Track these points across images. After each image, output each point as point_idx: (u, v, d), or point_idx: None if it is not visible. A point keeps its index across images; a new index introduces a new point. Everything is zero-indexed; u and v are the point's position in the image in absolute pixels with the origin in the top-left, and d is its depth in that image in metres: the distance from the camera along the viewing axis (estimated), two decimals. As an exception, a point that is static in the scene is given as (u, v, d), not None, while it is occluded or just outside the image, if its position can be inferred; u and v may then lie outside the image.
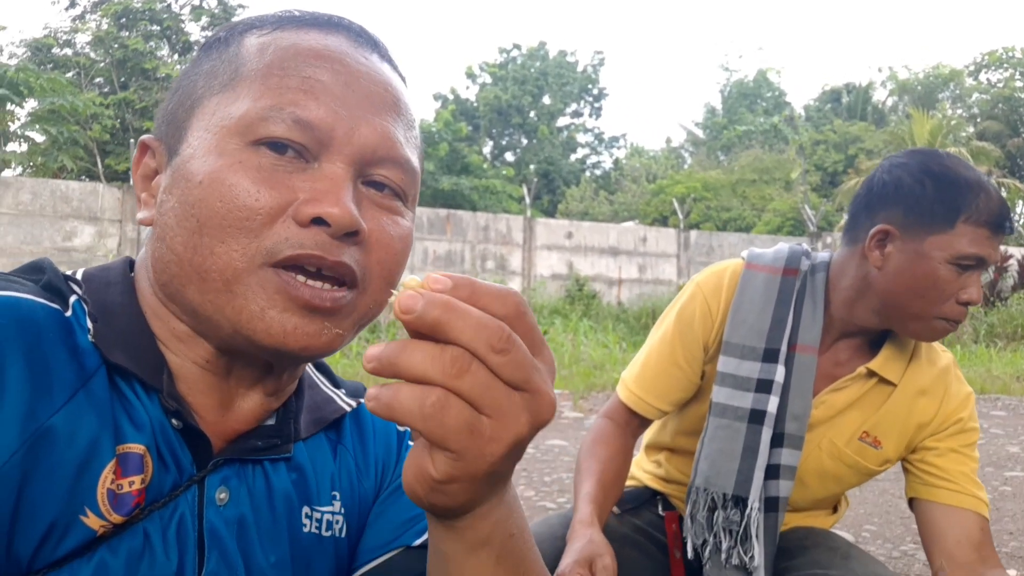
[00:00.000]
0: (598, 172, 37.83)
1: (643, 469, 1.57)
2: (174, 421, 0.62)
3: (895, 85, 38.90)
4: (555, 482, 3.73)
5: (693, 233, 16.45)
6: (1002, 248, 16.29)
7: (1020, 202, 29.80)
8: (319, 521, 0.69)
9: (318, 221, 0.57)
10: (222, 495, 0.64)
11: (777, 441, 1.32)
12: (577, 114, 36.94)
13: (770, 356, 1.31)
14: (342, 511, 0.70)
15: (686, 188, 29.89)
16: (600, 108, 37.36)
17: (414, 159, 0.65)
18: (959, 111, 36.50)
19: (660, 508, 1.51)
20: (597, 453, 1.36)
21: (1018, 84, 35.07)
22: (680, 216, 16.46)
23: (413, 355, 0.43)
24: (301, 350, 0.58)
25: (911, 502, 1.38)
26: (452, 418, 0.42)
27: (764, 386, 1.30)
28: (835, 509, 1.58)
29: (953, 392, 1.36)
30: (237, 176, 0.57)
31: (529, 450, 4.30)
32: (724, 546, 1.32)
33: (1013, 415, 6.51)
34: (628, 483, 1.49)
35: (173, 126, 0.64)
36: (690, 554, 1.39)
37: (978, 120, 35.16)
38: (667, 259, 15.63)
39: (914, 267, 1.22)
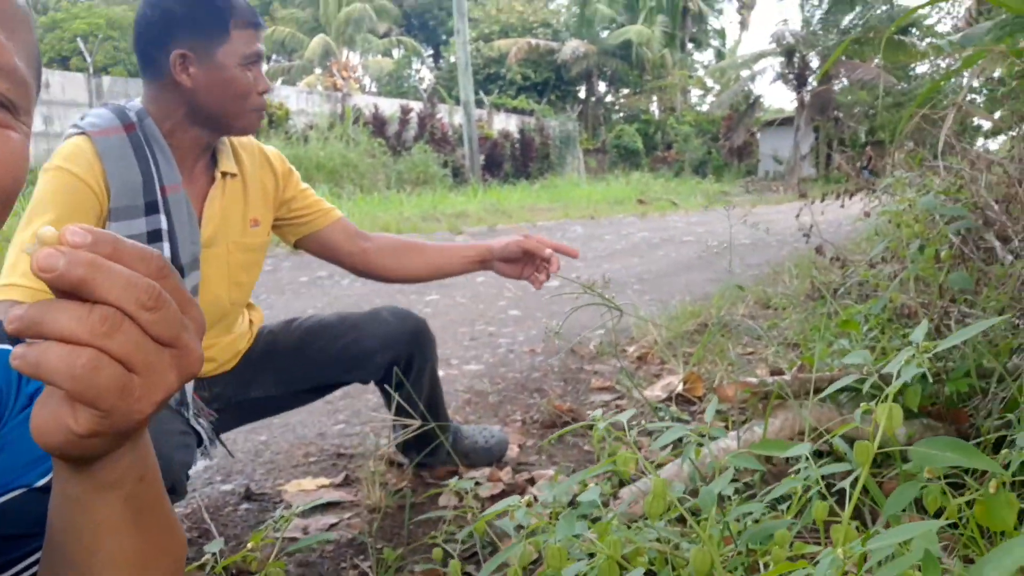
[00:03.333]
0: (-33, -4, 30.78)
1: None
2: None
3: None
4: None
5: (106, 79, 14.75)
6: (403, 102, 18.38)
7: (416, 59, 33.67)
8: None
9: None
10: None
11: (182, 272, 1.46)
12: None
13: (151, 208, 1.41)
14: None
15: (88, 24, 26.46)
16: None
17: (22, 66, 0.56)
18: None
19: None
20: None
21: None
22: (87, 58, 14.57)
23: (59, 316, 0.41)
24: None
25: (297, 244, 1.75)
26: (104, 378, 0.41)
27: (155, 236, 1.41)
28: (251, 308, 1.79)
29: (272, 157, 1.67)
30: None
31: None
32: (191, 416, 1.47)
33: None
34: None
35: None
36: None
37: (378, -20, 37.85)
38: (78, 109, 13.81)
39: (218, 77, 1.42)
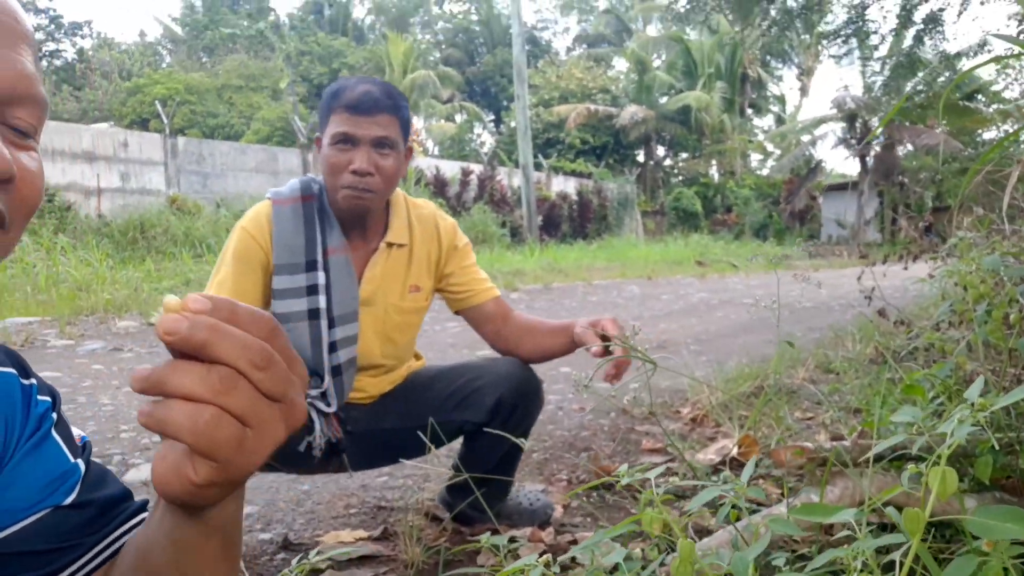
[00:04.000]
0: (58, 63, 32.76)
1: None
2: None
3: (372, 4, 40.90)
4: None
5: (181, 139, 15.41)
6: (464, 165, 18.73)
7: (477, 124, 34.41)
8: None
9: None
10: None
11: (332, 323, 1.67)
12: (27, -10, 31.23)
13: (311, 266, 1.64)
14: None
15: (167, 89, 27.79)
16: (58, -13, 32.08)
17: (43, 91, 0.62)
18: (427, 36, 40.00)
19: None
20: None
21: (473, 17, 39.64)
22: (164, 120, 15.25)
23: (183, 377, 0.45)
24: None
25: (456, 313, 1.89)
26: (223, 434, 0.45)
27: (312, 289, 1.64)
28: (417, 358, 1.96)
29: (442, 231, 1.81)
30: None
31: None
32: (315, 418, 1.68)
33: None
34: None
35: None
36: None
37: (443, 47, 39.13)
38: (153, 167, 14.42)
39: (322, 156, 1.63)
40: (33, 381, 0.69)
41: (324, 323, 1.65)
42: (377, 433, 1.82)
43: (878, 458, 1.88)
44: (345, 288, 1.67)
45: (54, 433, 0.68)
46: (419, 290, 1.78)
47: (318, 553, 1.26)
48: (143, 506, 0.73)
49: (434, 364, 1.96)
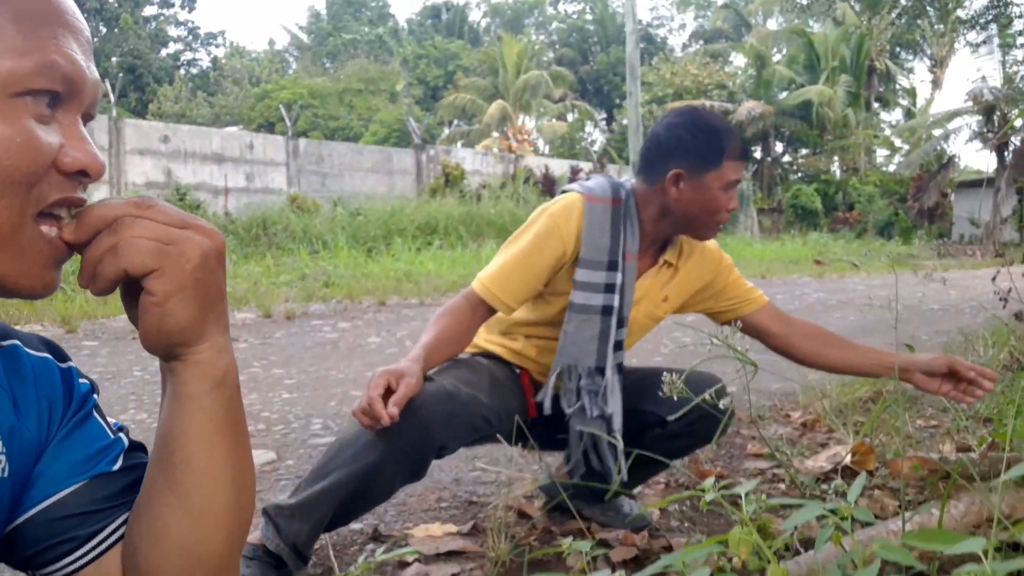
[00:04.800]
0: (194, 71, 34.77)
1: (493, 343, 1.88)
2: None
3: (488, 7, 41.41)
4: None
5: (302, 141, 16.05)
6: (573, 163, 18.68)
7: (589, 122, 34.24)
8: None
9: (81, 173, 0.61)
10: None
11: (621, 323, 1.79)
12: (167, 4, 33.29)
13: (612, 266, 1.75)
14: (3, 450, 0.65)
15: (292, 94, 29.01)
16: (194, 0, 34.04)
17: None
18: (541, 37, 40.13)
19: (515, 367, 1.86)
20: (443, 318, 1.69)
21: (588, 17, 39.50)
22: (288, 123, 15.91)
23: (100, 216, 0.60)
24: (43, 295, 0.63)
25: (729, 323, 1.90)
26: (145, 246, 0.58)
27: (610, 288, 1.75)
28: None
29: (711, 251, 1.92)
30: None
31: (145, 376, 3.93)
32: (588, 404, 1.75)
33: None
34: (474, 350, 1.85)
35: None
36: (547, 410, 1.77)
37: (556, 46, 39.17)
38: (276, 167, 15.08)
39: (702, 196, 1.70)
40: (71, 364, 0.74)
41: (614, 321, 1.77)
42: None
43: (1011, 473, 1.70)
44: (630, 291, 1.81)
45: (95, 414, 0.73)
46: (667, 301, 1.91)
47: (406, 546, 1.23)
48: None
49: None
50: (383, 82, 33.02)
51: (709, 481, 0.88)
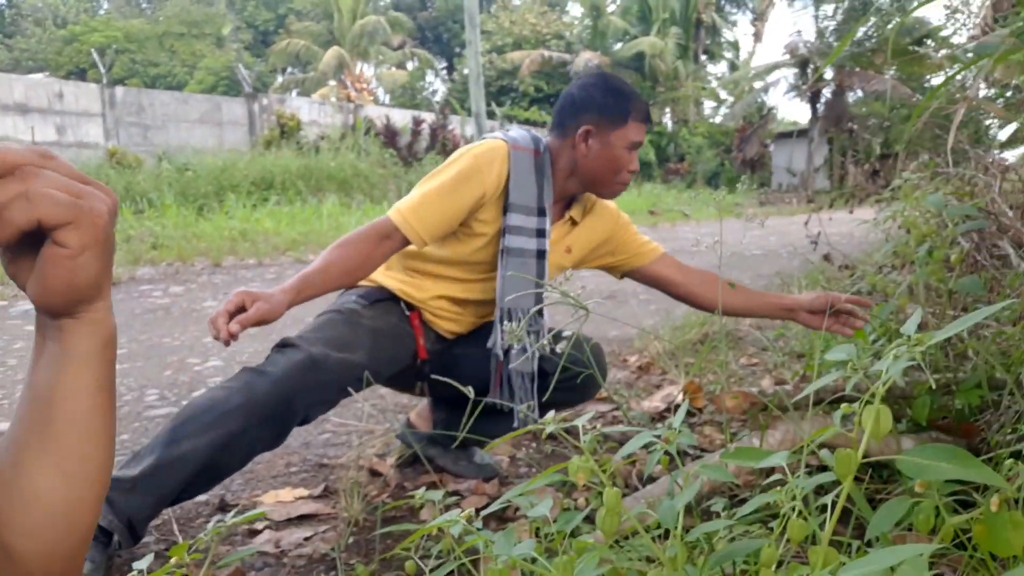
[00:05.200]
0: (-13, 9, 31.14)
1: (393, 279, 1.89)
2: None
3: (319, -52, 39.42)
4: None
5: (120, 90, 14.82)
6: (415, 114, 18.41)
7: (430, 71, 33.74)
8: None
9: None
10: None
11: (545, 256, 1.86)
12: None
13: (541, 212, 1.82)
14: None
15: (105, 37, 26.72)
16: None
17: None
18: (376, -18, 38.74)
19: (405, 309, 1.87)
20: (342, 247, 1.68)
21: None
22: (102, 70, 14.64)
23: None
24: None
25: (624, 276, 2.10)
26: (56, 197, 0.56)
27: (541, 233, 1.83)
28: None
29: (610, 210, 2.01)
30: None
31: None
32: (528, 345, 1.79)
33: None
34: (369, 284, 1.88)
35: None
36: (499, 356, 1.81)
37: (393, -8, 38.02)
38: (91, 119, 13.88)
39: (607, 153, 1.80)
40: None
41: (547, 264, 1.85)
42: (457, 357, 1.92)
43: (818, 401, 1.88)
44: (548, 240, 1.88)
45: None
46: (570, 252, 1.97)
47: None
48: None
49: None
50: (208, 25, 30.97)
51: (549, 415, 0.92)
